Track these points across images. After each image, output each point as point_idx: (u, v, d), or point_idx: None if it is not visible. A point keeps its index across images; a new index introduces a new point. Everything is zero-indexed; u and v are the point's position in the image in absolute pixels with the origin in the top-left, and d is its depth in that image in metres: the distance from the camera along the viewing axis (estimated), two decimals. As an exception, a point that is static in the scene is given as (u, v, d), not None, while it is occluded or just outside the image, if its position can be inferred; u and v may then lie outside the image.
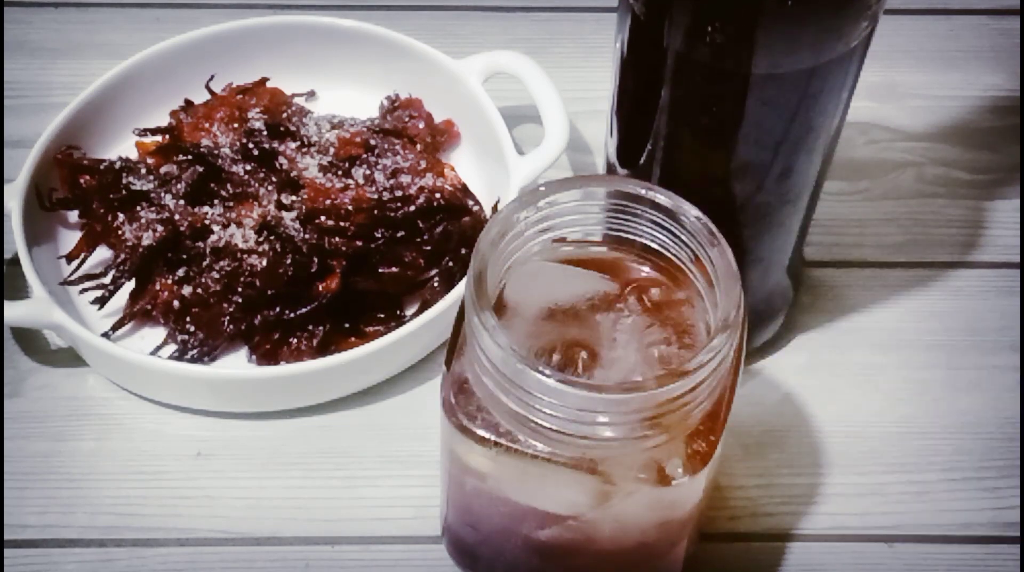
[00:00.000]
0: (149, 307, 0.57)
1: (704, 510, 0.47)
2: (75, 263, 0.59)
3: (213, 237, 0.57)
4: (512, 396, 0.37)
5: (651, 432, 0.37)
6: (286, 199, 0.58)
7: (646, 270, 0.42)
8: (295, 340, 0.56)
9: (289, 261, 0.56)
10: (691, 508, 0.43)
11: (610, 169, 0.59)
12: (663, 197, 0.39)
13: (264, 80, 0.65)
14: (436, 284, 0.58)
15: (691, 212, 0.40)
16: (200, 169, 0.59)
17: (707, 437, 0.39)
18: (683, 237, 0.40)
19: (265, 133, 0.61)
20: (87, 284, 0.58)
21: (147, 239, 0.57)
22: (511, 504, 0.44)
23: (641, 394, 0.36)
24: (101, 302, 0.57)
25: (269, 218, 0.57)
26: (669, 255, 0.41)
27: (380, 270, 0.58)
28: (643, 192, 0.39)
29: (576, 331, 0.40)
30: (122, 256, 0.58)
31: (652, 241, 0.40)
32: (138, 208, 0.59)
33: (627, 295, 0.41)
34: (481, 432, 0.39)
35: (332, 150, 0.61)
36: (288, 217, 0.57)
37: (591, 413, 0.36)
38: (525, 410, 0.37)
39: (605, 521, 0.42)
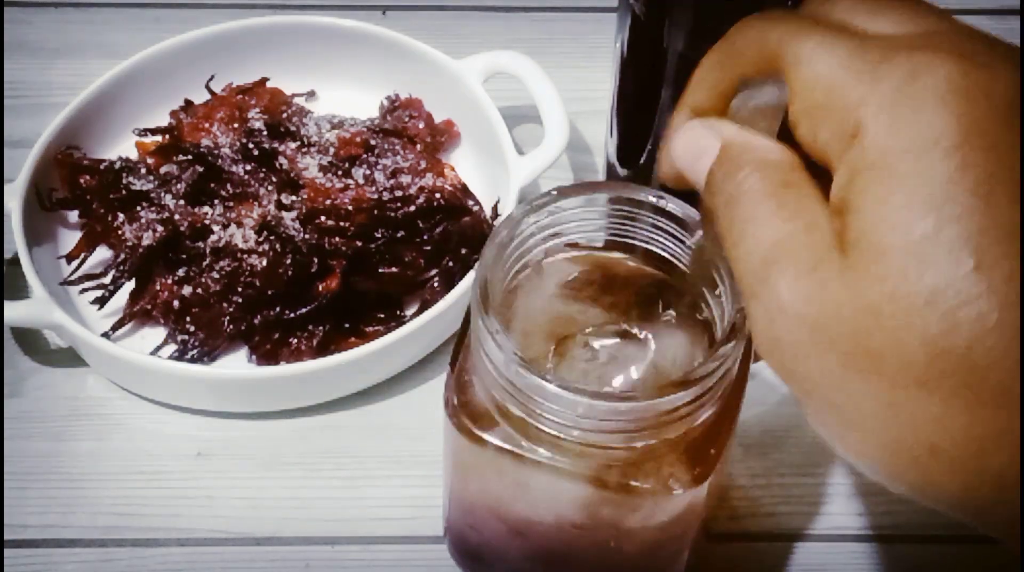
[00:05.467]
0: (149, 307, 0.57)
1: (708, 516, 0.47)
2: (75, 263, 0.59)
3: (213, 237, 0.57)
4: (515, 401, 0.37)
5: (654, 440, 0.37)
6: (286, 199, 0.58)
7: (653, 276, 0.42)
8: (295, 340, 0.56)
9: (289, 261, 0.56)
10: (694, 516, 0.43)
11: (610, 169, 0.59)
12: (672, 205, 0.39)
13: (264, 80, 0.65)
14: (436, 284, 0.58)
15: (697, 217, 0.40)
16: (200, 169, 0.59)
17: (711, 446, 0.39)
18: (690, 243, 0.40)
19: (265, 133, 0.61)
20: (87, 284, 0.58)
21: (147, 239, 0.57)
22: (513, 507, 0.44)
23: (645, 403, 0.36)
24: (101, 302, 0.57)
25: (269, 218, 0.57)
26: (675, 261, 0.41)
27: (380, 270, 0.58)
28: (649, 198, 0.39)
29: (581, 337, 0.40)
30: (122, 256, 0.58)
31: (658, 247, 0.40)
32: (138, 208, 0.59)
33: (633, 301, 0.41)
34: (483, 435, 0.39)
35: (332, 150, 0.60)
36: (288, 217, 0.57)
37: (593, 420, 0.36)
38: (528, 415, 0.37)
39: (607, 527, 0.42)
